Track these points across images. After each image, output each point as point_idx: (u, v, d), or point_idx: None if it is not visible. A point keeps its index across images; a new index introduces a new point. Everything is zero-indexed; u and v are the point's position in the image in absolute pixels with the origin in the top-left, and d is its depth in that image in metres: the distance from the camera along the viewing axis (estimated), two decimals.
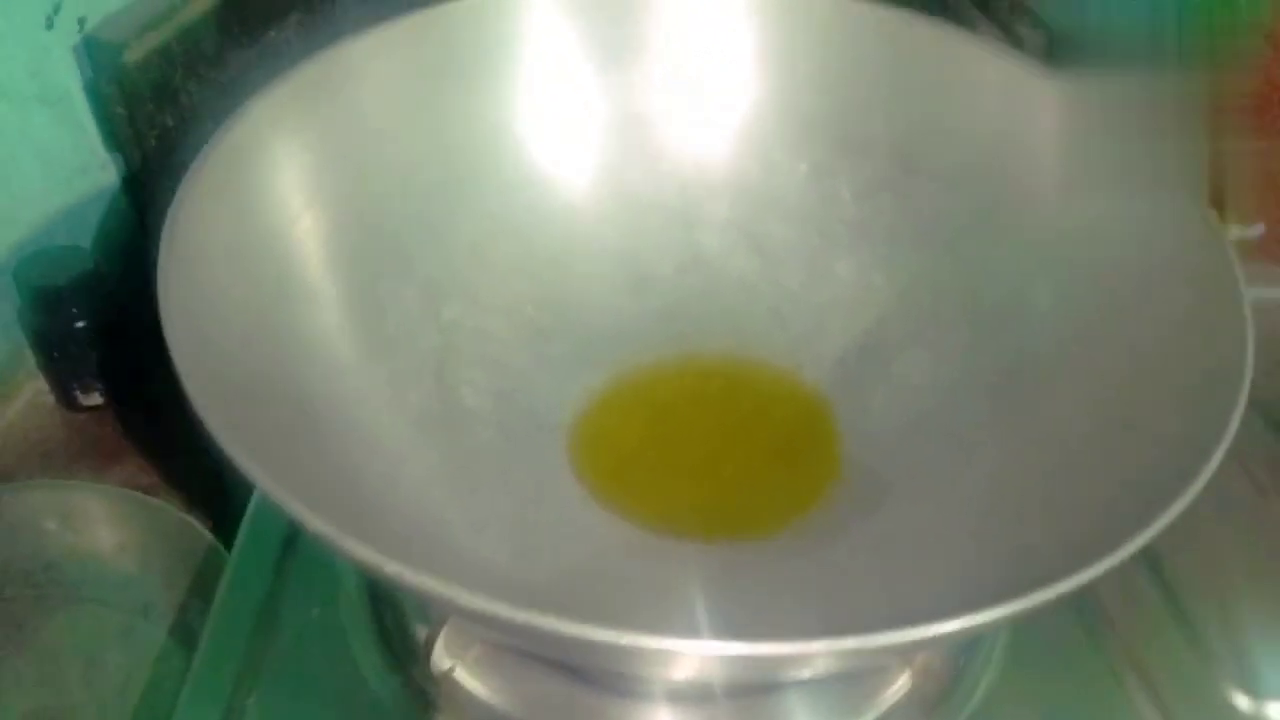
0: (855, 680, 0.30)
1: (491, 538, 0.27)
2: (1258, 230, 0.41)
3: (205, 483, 0.41)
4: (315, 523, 0.20)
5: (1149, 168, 0.30)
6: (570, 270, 0.34)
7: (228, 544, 0.34)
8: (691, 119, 0.36)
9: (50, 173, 0.48)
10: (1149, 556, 0.32)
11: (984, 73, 0.34)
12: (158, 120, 0.49)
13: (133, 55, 0.47)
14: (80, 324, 0.44)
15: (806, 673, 0.28)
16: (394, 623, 0.30)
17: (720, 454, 0.32)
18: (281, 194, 0.29)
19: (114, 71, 0.47)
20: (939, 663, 0.30)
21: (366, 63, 0.31)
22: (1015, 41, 0.44)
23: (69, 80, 0.47)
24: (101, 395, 0.45)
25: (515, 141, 0.34)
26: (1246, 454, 0.34)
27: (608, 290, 0.35)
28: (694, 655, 0.21)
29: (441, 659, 0.28)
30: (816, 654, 0.21)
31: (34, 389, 0.45)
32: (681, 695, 0.29)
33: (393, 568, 0.20)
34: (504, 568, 0.26)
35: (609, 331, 0.34)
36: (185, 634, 0.37)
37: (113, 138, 0.49)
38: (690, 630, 0.20)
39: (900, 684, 0.30)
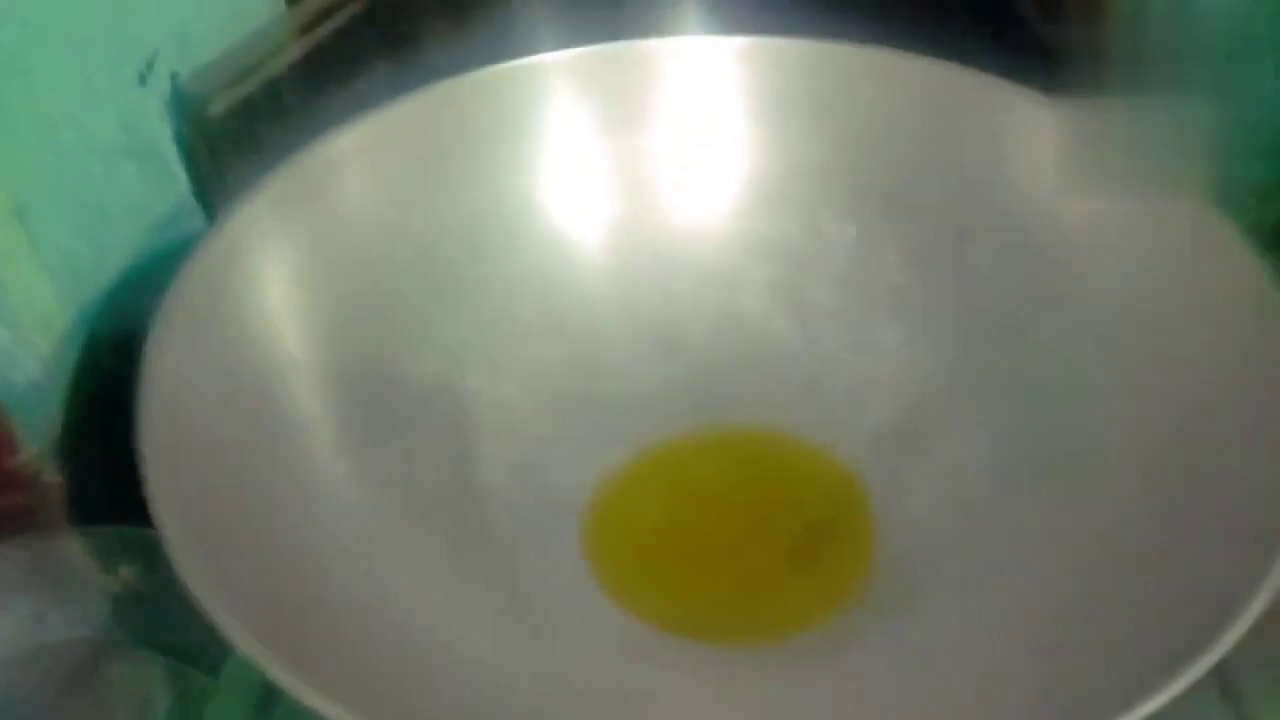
0: None
1: (482, 633, 0.26)
2: None
3: None
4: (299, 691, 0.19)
5: (1200, 224, 0.27)
6: (597, 336, 0.33)
7: None
8: (726, 179, 0.34)
9: (140, 225, 0.50)
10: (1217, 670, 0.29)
11: (1038, 131, 0.31)
12: (242, 170, 0.50)
13: (216, 108, 0.49)
14: None
15: None
16: None
17: (744, 542, 0.31)
18: (275, 295, 0.28)
19: (200, 123, 0.48)
20: None
21: (379, 140, 0.31)
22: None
23: (159, 134, 0.49)
24: None
25: (537, 208, 0.33)
26: None
27: (637, 356, 0.34)
28: None
29: None
30: None
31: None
32: None
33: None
34: (490, 668, 0.25)
35: (637, 399, 0.33)
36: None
37: (200, 188, 0.50)
38: None
39: None
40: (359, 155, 0.31)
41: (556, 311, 0.33)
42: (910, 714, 0.25)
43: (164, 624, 0.40)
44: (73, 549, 0.40)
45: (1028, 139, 0.31)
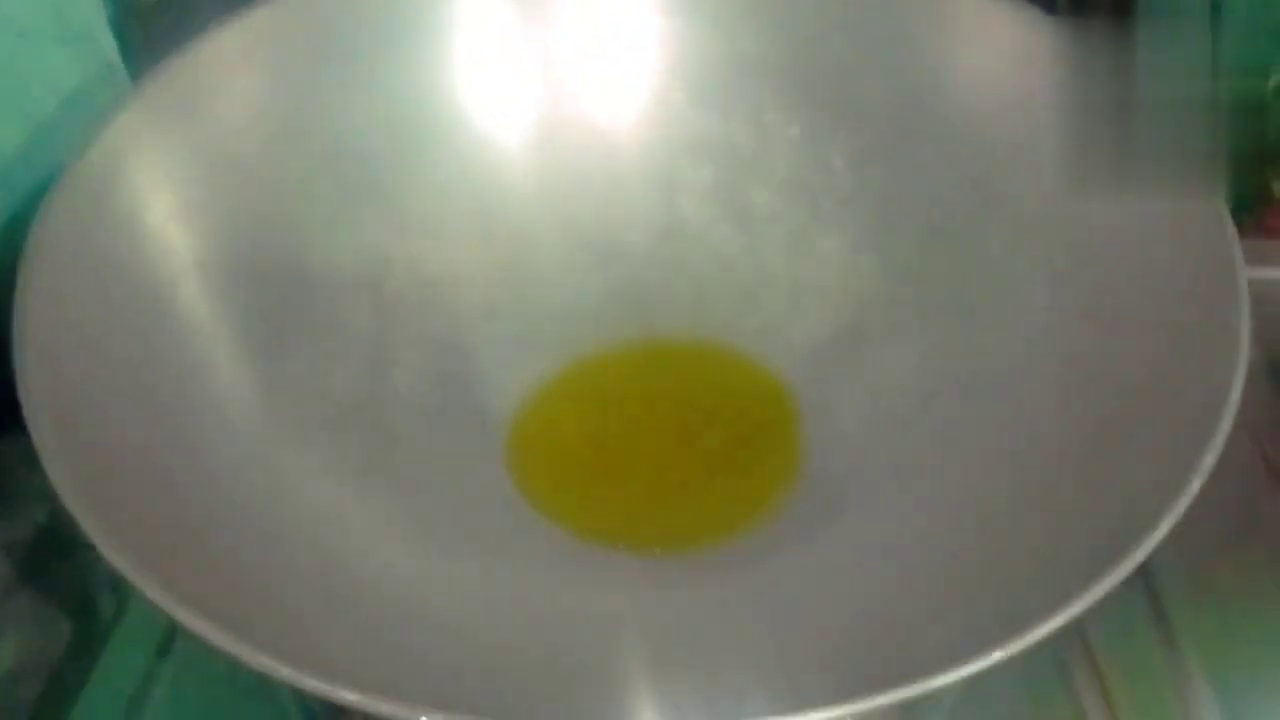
0: None
1: (398, 548, 0.26)
2: None
3: None
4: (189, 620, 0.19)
5: (1158, 143, 0.26)
6: (527, 241, 0.32)
7: None
8: (672, 73, 0.33)
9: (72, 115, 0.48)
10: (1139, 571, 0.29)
11: (997, 31, 0.29)
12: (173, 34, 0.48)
13: None
14: None
15: None
16: None
17: (670, 454, 0.30)
18: (176, 190, 0.27)
19: (134, 7, 0.46)
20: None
21: (262, 39, 0.29)
22: None
23: (92, 18, 0.47)
24: None
25: (461, 106, 0.31)
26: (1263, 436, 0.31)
27: (569, 262, 0.32)
28: None
29: None
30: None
31: None
32: None
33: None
34: (406, 583, 0.25)
35: (566, 309, 0.32)
36: None
37: (136, 74, 0.48)
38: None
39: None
40: (256, 48, 0.29)
41: (481, 215, 0.32)
42: (828, 620, 0.25)
43: None
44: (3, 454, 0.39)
45: (979, 42, 0.30)
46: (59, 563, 0.38)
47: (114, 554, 0.19)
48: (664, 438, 0.30)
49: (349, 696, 0.18)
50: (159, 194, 0.27)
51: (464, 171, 0.31)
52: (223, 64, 0.29)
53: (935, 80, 0.31)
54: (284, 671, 0.18)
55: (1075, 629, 0.28)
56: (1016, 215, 0.29)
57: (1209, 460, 0.22)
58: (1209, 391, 0.23)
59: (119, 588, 0.31)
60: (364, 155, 0.30)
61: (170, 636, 0.29)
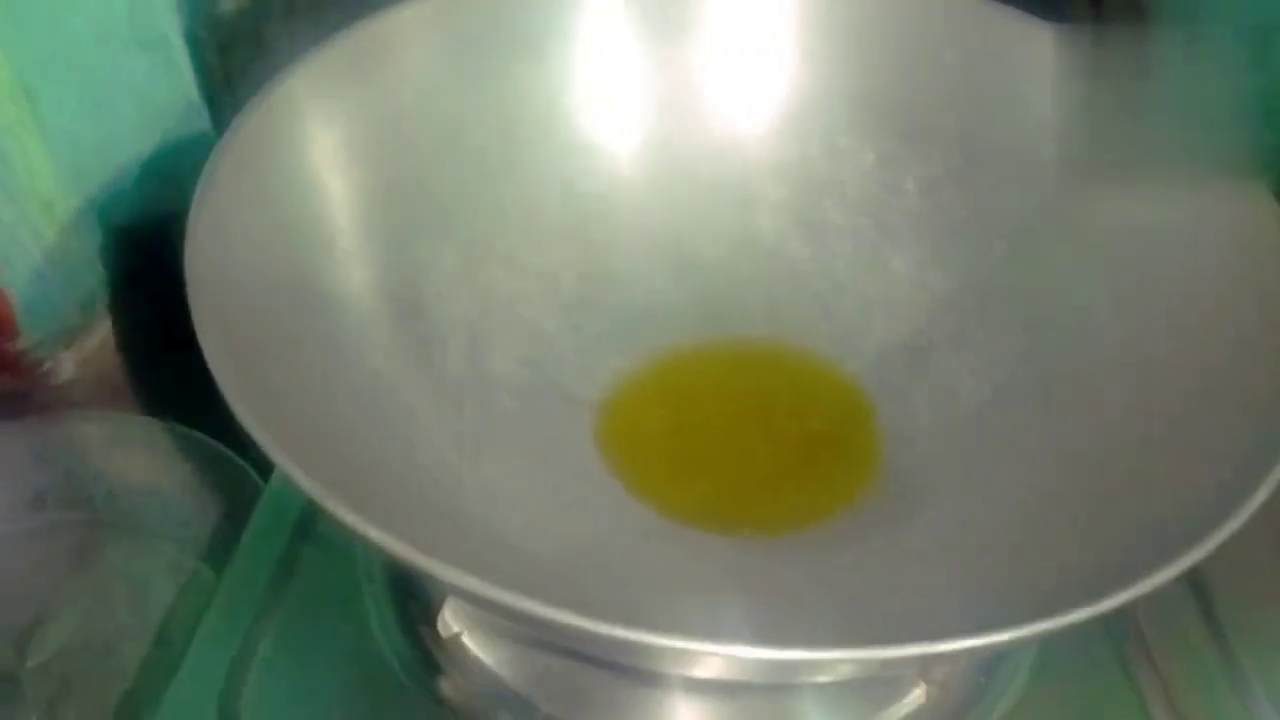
0: (869, 687, 0.29)
1: (504, 510, 0.27)
2: None
3: None
4: (317, 492, 0.20)
5: (1216, 155, 0.28)
6: (615, 244, 0.34)
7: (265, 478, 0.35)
8: (752, 98, 0.35)
9: (146, 117, 0.49)
10: (1194, 579, 0.30)
11: (1052, 64, 0.32)
12: (250, 69, 0.50)
13: (228, 4, 0.48)
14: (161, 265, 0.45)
15: (819, 677, 0.27)
16: (407, 581, 0.30)
17: (753, 445, 0.32)
18: (321, 154, 0.29)
19: (209, 19, 0.48)
20: (958, 677, 0.30)
21: (413, 29, 0.31)
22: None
23: (168, 26, 0.48)
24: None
25: (567, 111, 0.33)
26: None
27: (652, 267, 0.34)
28: (700, 656, 0.20)
29: (449, 624, 0.29)
30: (826, 662, 0.21)
31: (107, 328, 0.47)
32: (693, 686, 0.29)
33: (385, 540, 0.20)
34: (514, 543, 0.26)
35: (649, 309, 0.34)
36: (223, 564, 0.38)
37: (207, 84, 0.50)
38: (698, 630, 0.20)
39: (915, 696, 0.29)
40: (401, 37, 0.31)
41: (576, 215, 0.33)
42: (900, 600, 0.26)
43: (161, 511, 0.41)
44: (74, 433, 0.40)
45: (1042, 72, 0.32)
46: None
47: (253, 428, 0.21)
48: (746, 431, 0.32)
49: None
50: (310, 159, 0.29)
51: (562, 172, 0.33)
52: (379, 45, 0.30)
53: (1000, 108, 0.33)
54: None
55: (1133, 628, 0.30)
56: (1081, 234, 0.31)
57: (1276, 473, 0.23)
58: (1274, 402, 0.25)
59: None
60: (478, 146, 0.32)
61: None
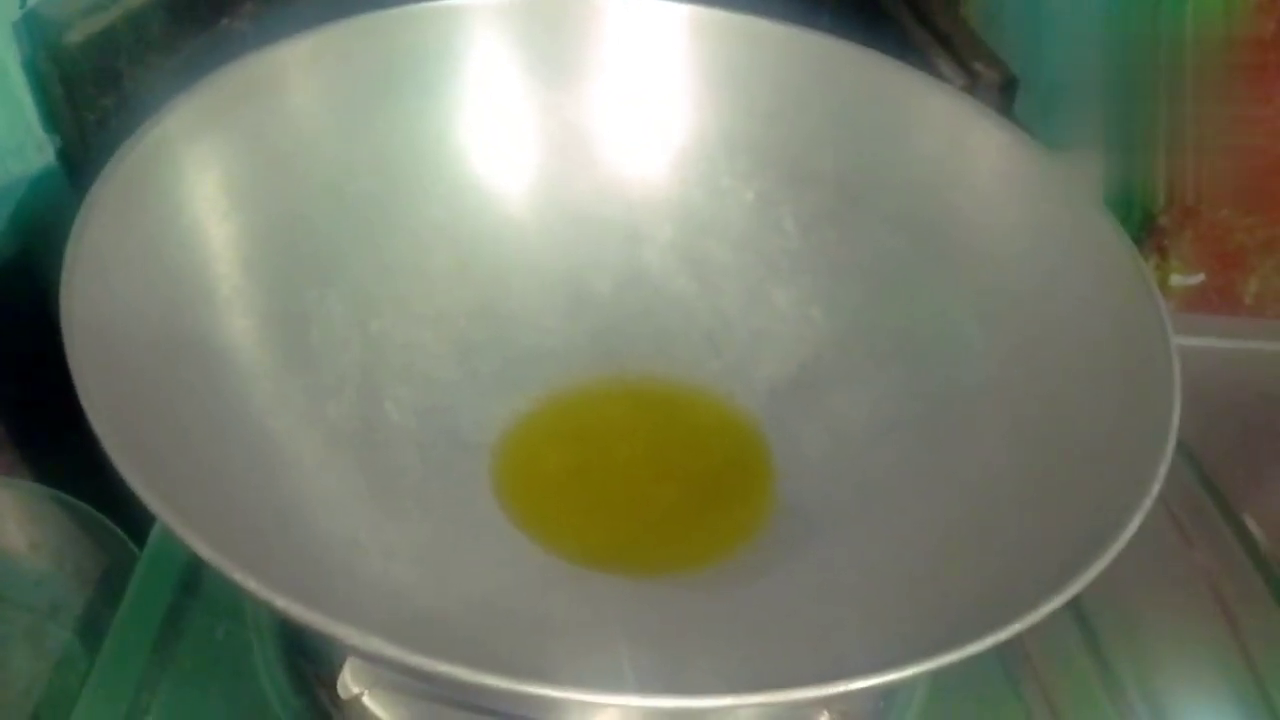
0: (776, 716, 0.29)
1: (403, 564, 0.26)
2: (1198, 278, 0.41)
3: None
4: (207, 552, 0.19)
5: (1087, 213, 0.30)
6: (507, 283, 0.34)
7: (141, 545, 0.33)
8: (638, 140, 0.35)
9: None
10: (1073, 602, 0.32)
11: (934, 112, 0.33)
12: (98, 104, 0.48)
13: (75, 36, 0.46)
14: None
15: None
16: (301, 641, 0.29)
17: (652, 484, 0.32)
18: (200, 200, 0.28)
19: (54, 51, 0.45)
20: (860, 704, 0.30)
21: (293, 68, 0.30)
22: (973, 78, 0.44)
23: (7, 57, 0.46)
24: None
25: (455, 152, 0.33)
26: (1171, 500, 0.35)
27: (545, 306, 0.34)
28: (604, 709, 0.20)
29: (349, 685, 0.27)
30: (732, 707, 0.21)
31: None
32: None
33: (284, 603, 0.19)
34: (414, 598, 0.25)
35: (542, 349, 0.34)
36: (93, 637, 0.36)
37: (50, 119, 0.47)
38: (601, 680, 0.20)
39: None
40: (280, 77, 0.30)
41: (466, 255, 0.33)
42: (803, 638, 0.27)
43: (14, 576, 0.38)
44: None
45: (924, 118, 0.33)
46: None
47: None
48: (642, 470, 0.32)
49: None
50: (186, 205, 0.27)
51: (450, 215, 0.33)
52: (257, 84, 0.29)
53: (879, 152, 0.35)
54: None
55: (1020, 647, 0.32)
56: (953, 270, 0.33)
57: (1151, 494, 0.24)
58: (1145, 434, 0.26)
59: None
60: (364, 193, 0.31)
61: None
